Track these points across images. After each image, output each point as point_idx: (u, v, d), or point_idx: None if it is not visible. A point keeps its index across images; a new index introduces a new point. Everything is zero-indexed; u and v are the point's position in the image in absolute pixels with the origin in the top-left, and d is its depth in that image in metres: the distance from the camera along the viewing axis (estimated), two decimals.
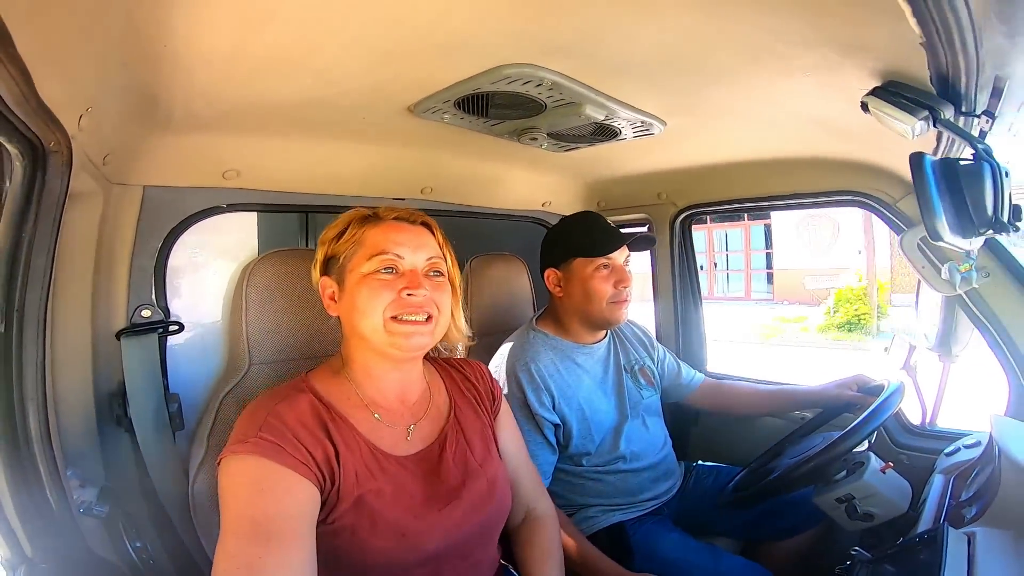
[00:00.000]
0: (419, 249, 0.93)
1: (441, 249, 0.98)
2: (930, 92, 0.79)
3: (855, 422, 1.12)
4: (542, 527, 1.10)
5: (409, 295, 0.88)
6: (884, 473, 1.13)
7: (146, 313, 1.18)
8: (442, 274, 0.96)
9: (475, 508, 0.92)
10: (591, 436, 1.38)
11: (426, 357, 1.06)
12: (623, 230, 1.97)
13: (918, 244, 1.32)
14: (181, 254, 1.24)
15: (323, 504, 0.80)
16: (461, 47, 0.86)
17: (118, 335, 1.14)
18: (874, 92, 0.85)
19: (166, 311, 1.22)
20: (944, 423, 1.51)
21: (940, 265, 1.27)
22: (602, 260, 1.39)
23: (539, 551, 1.06)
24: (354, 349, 0.94)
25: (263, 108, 1.03)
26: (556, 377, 1.37)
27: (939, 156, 1.11)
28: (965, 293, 1.26)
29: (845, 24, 0.75)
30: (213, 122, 1.07)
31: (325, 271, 0.96)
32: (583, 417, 1.37)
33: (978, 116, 0.82)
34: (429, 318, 0.91)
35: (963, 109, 0.79)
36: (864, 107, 0.87)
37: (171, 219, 1.19)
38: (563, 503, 1.38)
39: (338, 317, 0.95)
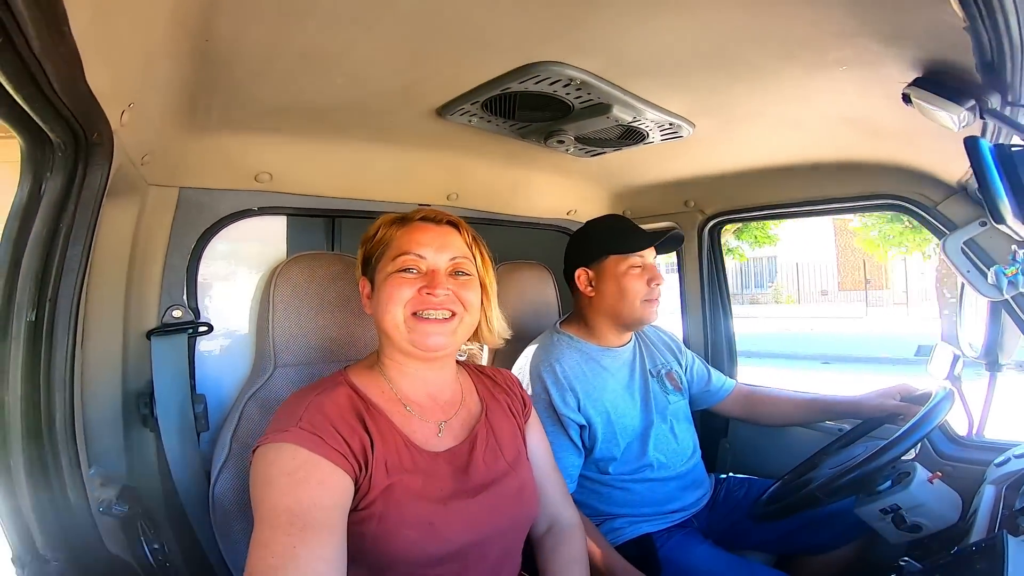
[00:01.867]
0: (442, 249, 0.94)
1: (470, 248, 0.99)
2: (975, 81, 0.77)
3: (903, 428, 1.07)
4: (568, 537, 1.08)
5: (429, 294, 0.90)
6: (932, 483, 1.08)
7: (177, 313, 1.20)
8: (468, 273, 0.96)
9: (502, 506, 0.92)
10: (616, 440, 1.35)
11: (460, 363, 1.08)
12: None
13: (962, 248, 1.27)
14: (212, 256, 1.25)
15: (356, 491, 0.81)
16: (490, 44, 0.87)
17: (149, 335, 1.16)
18: (916, 83, 0.83)
19: (196, 312, 1.23)
20: (991, 434, 1.44)
21: (986, 269, 1.22)
22: (635, 258, 1.38)
23: (564, 561, 1.04)
24: (385, 346, 0.96)
25: (296, 110, 1.05)
26: (581, 378, 1.35)
27: None
28: (1012, 298, 1.21)
29: (885, 11, 0.73)
30: (247, 124, 1.09)
31: (364, 271, 1.00)
32: (608, 420, 1.35)
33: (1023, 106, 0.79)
34: (451, 316, 0.92)
35: (1009, 98, 0.77)
36: (906, 99, 0.85)
37: (204, 221, 1.21)
38: (590, 513, 1.35)
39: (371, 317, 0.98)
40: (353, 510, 0.80)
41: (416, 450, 0.89)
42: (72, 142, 0.70)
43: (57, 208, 0.72)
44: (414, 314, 0.90)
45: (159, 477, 1.16)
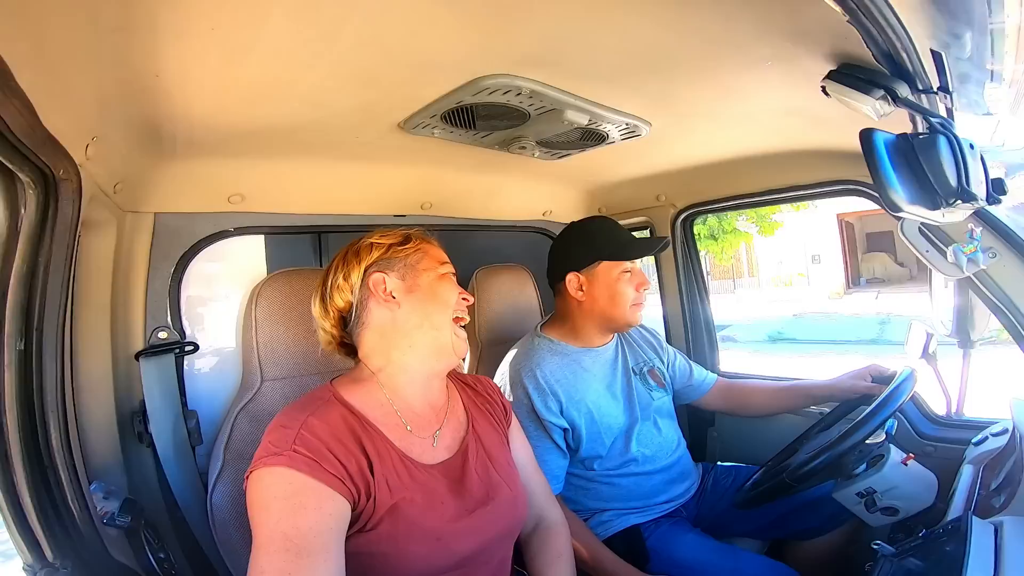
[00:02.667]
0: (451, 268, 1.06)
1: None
2: (882, 71, 0.79)
3: (866, 411, 1.09)
4: (554, 534, 1.12)
5: (464, 299, 1.02)
6: (906, 465, 1.09)
7: (163, 335, 1.24)
8: None
9: (500, 514, 0.96)
10: (601, 439, 1.37)
11: None
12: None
13: (920, 228, 1.29)
14: (194, 277, 1.30)
15: (360, 514, 0.81)
16: (437, 63, 0.90)
17: (137, 356, 1.20)
18: (831, 76, 0.85)
19: (182, 332, 1.28)
20: (970, 412, 1.45)
21: (945, 248, 1.24)
22: (627, 264, 1.41)
23: (551, 557, 1.08)
24: (403, 352, 0.97)
25: (260, 133, 1.09)
26: (563, 382, 1.36)
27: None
28: (975, 275, 1.22)
29: (786, 11, 0.76)
30: (215, 149, 1.13)
31: (382, 268, 0.99)
32: (592, 420, 1.36)
33: (935, 93, 0.80)
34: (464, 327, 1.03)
35: (918, 86, 0.78)
36: (825, 92, 0.87)
37: (182, 244, 1.26)
38: (577, 508, 1.37)
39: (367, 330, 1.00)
40: (360, 531, 0.81)
41: (413, 465, 0.90)
42: (41, 180, 0.74)
43: (34, 242, 0.76)
44: (454, 318, 1.00)
45: (159, 489, 1.21)
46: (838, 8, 0.60)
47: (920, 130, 0.79)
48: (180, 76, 0.80)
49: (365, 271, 0.98)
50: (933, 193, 0.74)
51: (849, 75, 0.80)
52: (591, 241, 1.44)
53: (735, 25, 0.80)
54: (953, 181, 0.73)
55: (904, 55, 0.69)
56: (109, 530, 0.94)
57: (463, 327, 1.03)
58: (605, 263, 1.40)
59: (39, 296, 0.79)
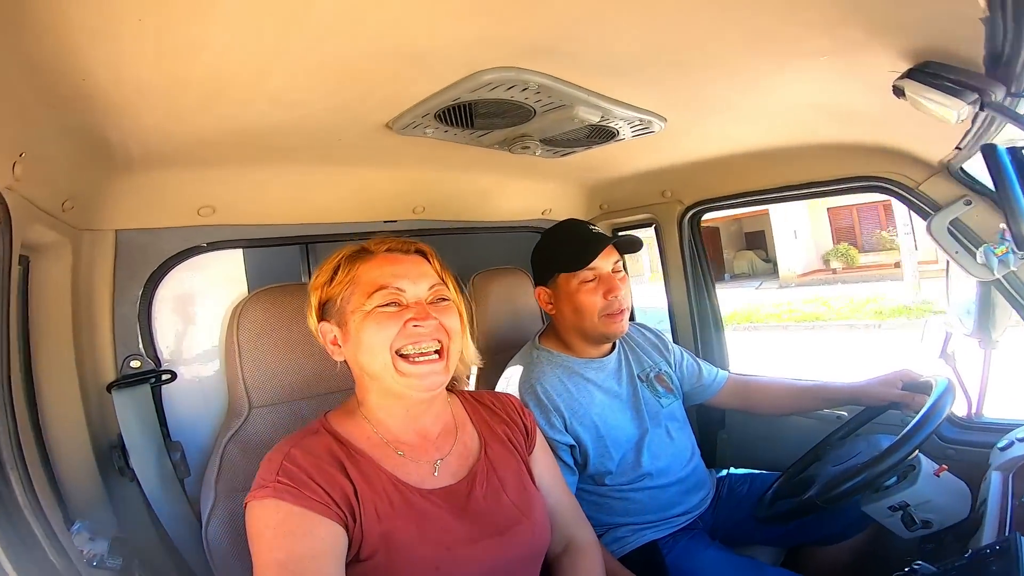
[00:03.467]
0: (420, 279, 0.90)
1: (440, 275, 0.94)
2: (978, 72, 0.72)
3: (905, 430, 1.03)
4: (583, 556, 1.05)
5: (416, 326, 0.85)
6: (939, 477, 1.04)
7: (135, 364, 1.14)
8: (447, 299, 0.92)
9: (514, 547, 0.90)
10: (608, 453, 1.30)
11: (449, 389, 1.03)
12: (628, 232, 1.90)
13: (948, 228, 1.23)
14: (166, 299, 1.19)
15: (351, 541, 0.79)
16: (430, 56, 0.79)
17: (109, 388, 1.10)
18: (910, 75, 0.77)
19: (157, 360, 1.18)
20: (991, 413, 1.41)
21: (974, 249, 1.18)
22: (585, 272, 1.30)
23: None
24: (367, 391, 0.92)
25: (228, 139, 0.98)
26: (565, 396, 1.30)
27: (971, 140, 1.02)
28: (1003, 276, 1.17)
29: (878, 1, 0.67)
30: (177, 158, 1.02)
31: (322, 316, 0.92)
32: (598, 435, 1.30)
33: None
34: (440, 351, 0.88)
35: (1013, 90, 0.72)
36: (897, 92, 0.79)
37: (149, 263, 1.14)
38: (591, 524, 1.31)
39: (345, 361, 0.93)
40: (356, 561, 0.79)
41: (408, 490, 0.86)
42: None
43: None
44: (400, 354, 0.85)
45: (151, 525, 1.13)
46: (982, 4, 0.52)
47: (989, 136, 0.70)
48: (112, 78, 0.69)
49: (318, 320, 0.93)
50: None
51: (935, 75, 0.72)
52: (548, 253, 1.38)
53: (795, 16, 0.72)
54: None
55: (1020, 57, 0.61)
56: (99, 574, 0.89)
57: (427, 356, 0.87)
58: (563, 275, 1.32)
59: None
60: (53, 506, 0.89)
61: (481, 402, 1.07)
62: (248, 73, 0.75)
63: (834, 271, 15.47)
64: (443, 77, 0.87)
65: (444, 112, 1.00)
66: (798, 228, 16.36)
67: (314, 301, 0.92)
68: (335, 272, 0.90)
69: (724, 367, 1.83)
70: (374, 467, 0.85)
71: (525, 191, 1.76)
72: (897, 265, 14.75)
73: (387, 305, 0.86)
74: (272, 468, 0.80)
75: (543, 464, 1.07)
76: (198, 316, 1.25)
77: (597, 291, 1.30)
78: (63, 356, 1.04)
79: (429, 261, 0.95)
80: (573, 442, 1.28)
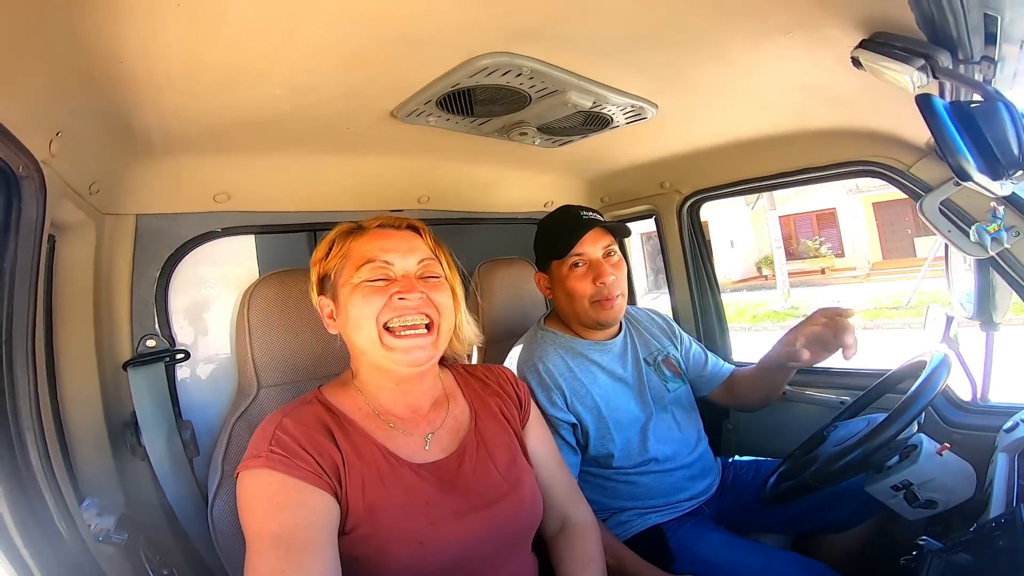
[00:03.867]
0: (409, 253, 0.91)
1: (433, 252, 0.96)
2: (922, 40, 0.74)
3: (898, 403, 1.02)
4: (581, 535, 1.04)
5: (401, 299, 0.86)
6: (941, 455, 1.04)
7: (151, 343, 1.18)
8: (437, 276, 0.93)
9: (501, 521, 0.89)
10: (610, 435, 1.30)
11: (443, 363, 1.04)
12: (627, 224, 1.91)
13: (940, 209, 1.24)
14: (182, 281, 1.24)
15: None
16: (430, 41, 0.84)
17: (125, 366, 1.14)
18: (863, 45, 0.80)
19: (171, 340, 1.22)
20: (996, 397, 1.40)
21: (967, 228, 1.19)
22: (573, 259, 1.31)
23: (580, 561, 1.00)
24: (359, 364, 0.94)
25: (242, 125, 1.03)
26: (567, 375, 1.30)
27: None
28: (998, 255, 1.18)
29: None
30: (194, 144, 1.07)
31: (321, 291, 0.95)
32: (599, 416, 1.30)
33: (977, 63, 0.76)
34: (429, 325, 0.88)
35: (960, 56, 0.74)
36: (856, 63, 0.82)
37: (167, 247, 1.19)
38: (596, 508, 1.28)
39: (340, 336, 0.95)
40: (341, 532, 0.79)
41: (398, 463, 0.86)
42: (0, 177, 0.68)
43: None
44: (387, 328, 0.86)
45: (158, 503, 1.15)
46: None
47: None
48: (145, 62, 0.74)
49: (317, 294, 0.96)
50: (995, 163, 0.69)
51: (884, 44, 0.75)
52: (544, 239, 1.40)
53: None
54: (1016, 150, 0.68)
55: (951, 20, 0.63)
56: (105, 548, 0.90)
57: (415, 330, 0.87)
58: (555, 261, 1.35)
59: (5, 304, 0.73)
60: (66, 481, 0.90)
61: (473, 375, 1.07)
62: (262, 55, 0.79)
63: (765, 278, 16.39)
64: (442, 63, 0.91)
65: (445, 99, 1.05)
66: (736, 238, 17.50)
67: (314, 276, 0.95)
68: (331, 247, 0.93)
69: (727, 358, 1.83)
70: (364, 437, 0.86)
71: (527, 183, 1.79)
72: (823, 271, 16.13)
73: (375, 280, 0.87)
74: (265, 437, 0.80)
75: (537, 437, 1.07)
76: (211, 299, 1.29)
77: (587, 277, 1.31)
78: (83, 334, 1.08)
79: (421, 236, 0.96)
80: (574, 420, 1.28)
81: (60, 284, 1.03)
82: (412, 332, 0.86)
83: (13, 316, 0.74)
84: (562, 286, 1.34)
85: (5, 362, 0.73)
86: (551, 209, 1.92)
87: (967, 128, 0.69)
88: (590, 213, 1.37)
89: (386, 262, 0.88)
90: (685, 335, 1.58)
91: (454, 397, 1.01)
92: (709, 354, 1.58)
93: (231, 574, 1.03)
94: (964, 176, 0.68)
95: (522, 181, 1.77)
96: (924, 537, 0.89)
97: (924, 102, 0.68)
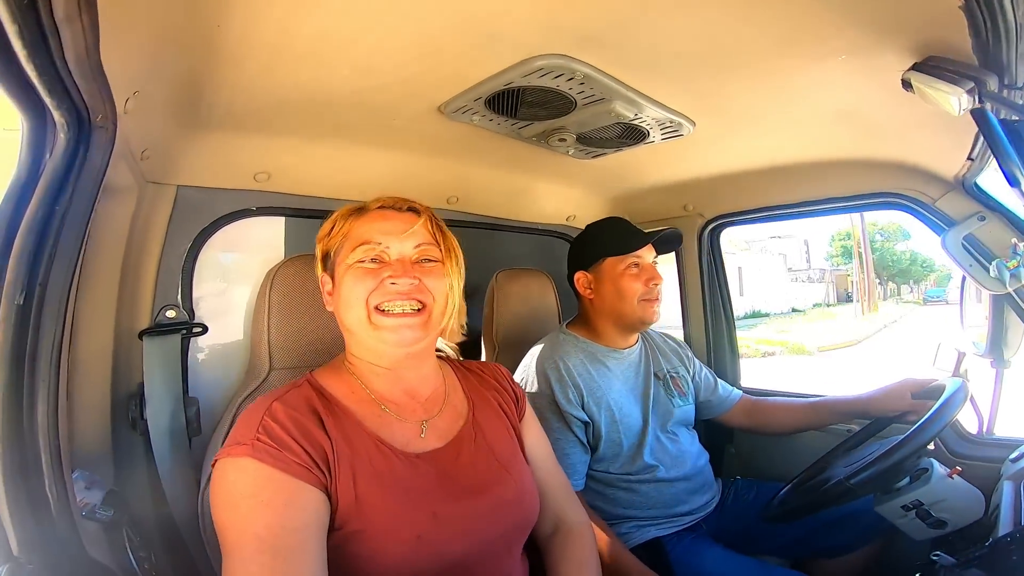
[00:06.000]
0: (407, 237, 0.88)
1: (433, 235, 0.92)
2: (972, 63, 0.78)
3: (920, 421, 1.04)
4: (576, 538, 1.01)
5: (393, 283, 0.83)
6: (952, 478, 1.06)
7: (171, 314, 1.17)
8: (433, 260, 0.89)
9: (499, 512, 0.86)
10: (620, 439, 1.34)
11: (441, 358, 1.03)
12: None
13: (962, 243, 1.28)
14: (209, 256, 1.23)
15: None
16: (494, 38, 0.87)
17: (141, 335, 1.12)
18: (915, 67, 0.84)
19: (191, 313, 1.20)
20: (1001, 431, 1.42)
21: (987, 263, 1.23)
22: (632, 259, 1.39)
23: (574, 564, 0.98)
24: (351, 344, 0.91)
25: (298, 105, 1.05)
26: (585, 376, 1.34)
27: (980, 147, 1.09)
28: (1015, 291, 1.21)
29: (879, 1, 0.74)
30: (248, 121, 1.08)
31: (324, 268, 0.94)
32: (612, 419, 1.33)
33: (1020, 89, 0.80)
34: (421, 308, 0.85)
35: (1006, 81, 0.78)
36: (906, 84, 0.86)
37: (201, 220, 1.19)
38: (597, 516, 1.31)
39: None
40: (333, 529, 0.74)
41: (393, 452, 0.82)
42: (75, 123, 0.68)
43: (54, 190, 0.69)
44: (378, 309, 0.83)
45: (148, 483, 1.11)
46: None
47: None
48: (242, 27, 0.75)
49: (321, 270, 0.95)
50: None
51: (936, 67, 0.79)
52: (598, 238, 1.46)
53: (815, 15, 0.78)
54: None
55: (1004, 46, 0.67)
56: (88, 524, 0.86)
57: (405, 313, 0.84)
58: (610, 259, 1.41)
59: (50, 248, 0.70)
60: (67, 446, 0.84)
61: (470, 369, 1.06)
62: (341, 36, 0.81)
63: None
64: (500, 59, 0.94)
65: (494, 98, 1.08)
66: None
67: (318, 252, 0.95)
68: (333, 225, 0.92)
69: (736, 383, 1.84)
70: (355, 425, 0.82)
71: (554, 195, 1.82)
72: None
73: (369, 261, 0.85)
74: (252, 423, 0.74)
75: (533, 436, 1.05)
76: (234, 277, 1.29)
77: (640, 278, 1.39)
78: (106, 297, 1.07)
79: (423, 219, 0.92)
80: (588, 419, 1.31)
81: (93, 244, 1.01)
82: (401, 311, 0.84)
83: (54, 262, 0.71)
84: (614, 283, 1.40)
85: (36, 305, 0.70)
86: (574, 223, 1.97)
87: (1014, 143, 0.73)
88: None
89: (381, 244, 0.86)
90: (696, 360, 1.62)
91: (453, 389, 0.99)
92: (718, 380, 1.63)
93: (213, 561, 0.99)
94: (1015, 182, 0.71)
95: (549, 193, 1.79)
96: (937, 552, 0.90)
97: (979, 115, 0.71)
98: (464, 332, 1.05)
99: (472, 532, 0.81)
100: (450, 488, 0.83)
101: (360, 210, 0.93)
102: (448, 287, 0.90)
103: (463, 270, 0.94)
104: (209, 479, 0.94)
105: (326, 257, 0.93)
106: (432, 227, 0.93)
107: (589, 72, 0.99)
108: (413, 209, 0.94)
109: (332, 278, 0.91)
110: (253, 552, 0.65)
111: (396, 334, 0.83)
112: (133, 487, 1.09)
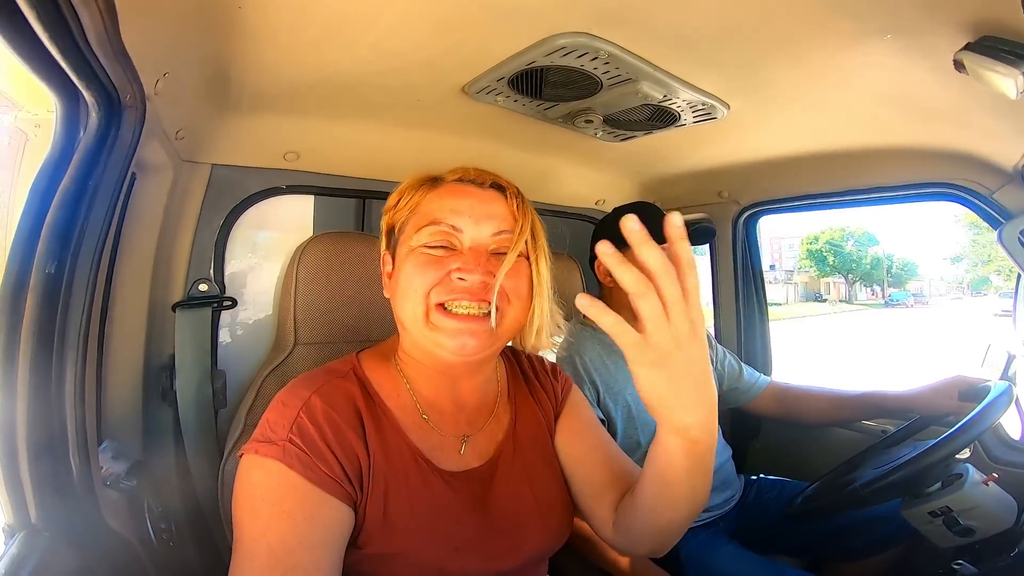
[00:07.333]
0: (485, 220, 0.73)
1: (518, 220, 0.76)
2: None
3: (960, 423, 1.00)
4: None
5: (460, 279, 0.70)
6: (987, 485, 1.01)
7: (203, 287, 1.21)
8: (518, 253, 0.74)
9: (524, 548, 0.78)
10: (636, 435, 1.32)
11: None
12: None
13: (1019, 238, 1.18)
14: (240, 232, 1.27)
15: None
16: (515, 15, 0.84)
17: (174, 307, 1.18)
18: (968, 47, 0.77)
19: (222, 286, 1.25)
20: None
21: None
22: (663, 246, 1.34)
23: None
24: (403, 338, 0.80)
25: (322, 86, 1.06)
26: (602, 371, 1.32)
27: None
28: None
29: None
30: (276, 102, 1.10)
31: (387, 245, 0.82)
32: (629, 414, 1.32)
33: None
34: (492, 312, 0.71)
35: None
36: (958, 65, 0.79)
37: (234, 197, 1.23)
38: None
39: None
40: (348, 547, 0.68)
41: (431, 470, 0.74)
42: (105, 103, 0.71)
43: (87, 165, 0.72)
44: (440, 306, 0.70)
45: (173, 456, 1.16)
46: None
47: None
48: (261, 9, 0.76)
49: (385, 247, 0.83)
50: None
51: (991, 47, 0.72)
52: (618, 225, 1.39)
53: None
54: None
55: None
56: (110, 493, 0.87)
57: (471, 316, 0.71)
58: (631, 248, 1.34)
59: (81, 219, 0.72)
60: (93, 416, 0.87)
61: (519, 363, 0.95)
62: (361, 16, 0.80)
63: None
64: (522, 38, 0.91)
65: (517, 77, 1.05)
66: None
67: (384, 225, 0.82)
68: (401, 196, 0.80)
69: (767, 372, 1.79)
70: (396, 434, 0.73)
71: (582, 178, 1.78)
72: None
73: (435, 247, 0.73)
74: (287, 417, 0.68)
75: (575, 428, 0.90)
76: (264, 253, 1.33)
77: None
78: (141, 272, 1.11)
79: (507, 200, 0.77)
80: (603, 416, 1.30)
81: (130, 221, 1.06)
82: (467, 313, 0.70)
83: (85, 233, 0.74)
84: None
85: (66, 275, 0.72)
86: (603, 207, 1.93)
87: None
88: None
89: (453, 227, 0.72)
90: (720, 347, 1.58)
91: (502, 396, 0.87)
92: (744, 366, 1.58)
93: (230, 536, 1.02)
94: None
95: (577, 176, 1.76)
96: (959, 561, 0.86)
97: None
98: (555, 342, 0.94)
99: (492, 560, 0.75)
100: (479, 519, 0.75)
101: (434, 180, 0.79)
102: (531, 288, 0.75)
103: (548, 270, 0.79)
104: (230, 452, 0.99)
105: (390, 232, 0.81)
106: (516, 209, 0.77)
107: (613, 51, 0.95)
108: (497, 186, 0.79)
109: (393, 259, 0.79)
110: (263, 566, 0.60)
111: (455, 340, 0.70)
112: (159, 458, 1.14)
